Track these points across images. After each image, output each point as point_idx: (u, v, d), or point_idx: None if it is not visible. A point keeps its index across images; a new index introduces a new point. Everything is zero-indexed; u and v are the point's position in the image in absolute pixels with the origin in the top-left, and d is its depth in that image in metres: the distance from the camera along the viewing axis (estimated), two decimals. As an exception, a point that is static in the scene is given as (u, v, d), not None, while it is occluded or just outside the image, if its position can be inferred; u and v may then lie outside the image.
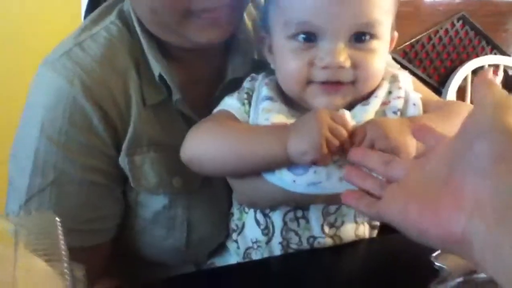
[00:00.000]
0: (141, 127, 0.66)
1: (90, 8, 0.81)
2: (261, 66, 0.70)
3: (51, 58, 0.67)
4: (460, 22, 1.97)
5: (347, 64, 0.57)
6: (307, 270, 0.61)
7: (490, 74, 0.43)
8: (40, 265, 0.36)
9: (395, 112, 0.60)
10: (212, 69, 0.74)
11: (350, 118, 0.55)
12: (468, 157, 0.37)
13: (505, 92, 0.39)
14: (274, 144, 0.55)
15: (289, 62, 0.59)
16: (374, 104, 0.60)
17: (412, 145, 0.54)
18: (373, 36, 0.58)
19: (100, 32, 0.68)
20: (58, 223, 0.42)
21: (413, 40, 1.88)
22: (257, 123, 0.61)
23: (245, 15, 0.75)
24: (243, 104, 0.64)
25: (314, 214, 0.64)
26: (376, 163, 0.48)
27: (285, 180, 0.58)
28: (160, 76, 0.67)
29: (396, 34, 0.64)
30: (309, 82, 0.59)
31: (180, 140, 0.66)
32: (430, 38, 1.92)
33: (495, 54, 2.11)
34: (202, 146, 0.62)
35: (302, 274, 0.60)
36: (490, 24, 2.06)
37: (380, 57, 0.60)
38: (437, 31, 1.93)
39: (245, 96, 0.64)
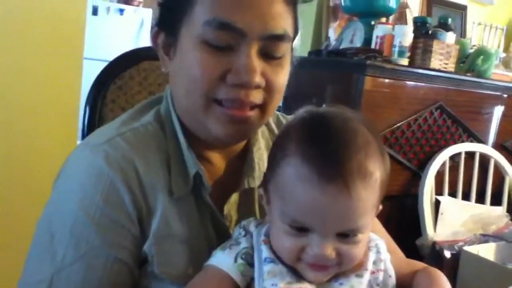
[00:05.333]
0: (168, 217, 0.73)
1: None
2: None
3: (94, 142, 0.75)
4: (438, 111, 2.08)
5: (333, 256, 0.64)
6: None
7: None
8: None
9: (378, 285, 0.68)
10: (231, 170, 0.83)
11: None
12: None
13: None
14: None
15: (284, 239, 0.65)
16: (366, 276, 0.67)
17: None
18: (357, 233, 0.65)
19: (139, 128, 0.77)
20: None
21: (394, 126, 1.96)
22: (264, 286, 0.65)
23: (259, 132, 0.86)
24: (236, 261, 0.68)
25: None
26: None
27: None
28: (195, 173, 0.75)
29: (381, 206, 0.70)
30: (299, 259, 0.65)
31: (196, 231, 0.75)
32: (409, 125, 2.01)
33: (471, 141, 2.21)
34: None
35: None
36: (467, 113, 2.17)
37: (363, 244, 0.67)
38: (416, 119, 2.02)
39: (243, 256, 0.69)
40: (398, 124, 1.97)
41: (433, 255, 1.84)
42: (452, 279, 1.79)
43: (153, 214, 0.72)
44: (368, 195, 0.63)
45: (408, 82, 1.98)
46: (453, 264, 1.78)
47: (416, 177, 2.07)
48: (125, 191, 0.70)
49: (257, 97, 0.72)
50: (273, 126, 0.91)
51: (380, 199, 0.67)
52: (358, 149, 0.62)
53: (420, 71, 2.00)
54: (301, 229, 0.64)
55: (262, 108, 0.74)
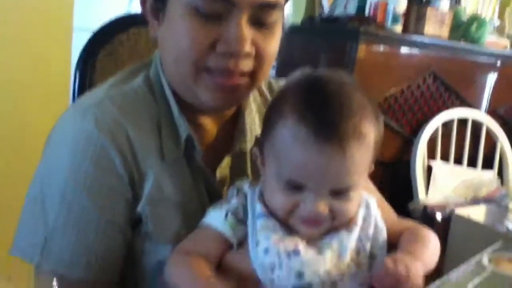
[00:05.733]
0: (160, 181, 0.74)
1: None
2: None
3: (82, 106, 0.75)
4: (431, 78, 2.09)
5: (326, 212, 0.66)
6: None
7: None
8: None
9: (368, 239, 0.70)
10: (223, 134, 0.84)
11: None
12: None
13: None
14: None
15: (277, 195, 0.68)
16: (356, 231, 0.69)
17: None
18: (350, 191, 0.67)
19: (128, 91, 0.77)
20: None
21: (387, 94, 1.98)
22: (258, 239, 0.68)
23: (251, 97, 0.86)
24: (226, 217, 0.70)
25: None
26: None
27: None
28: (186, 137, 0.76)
29: (372, 166, 0.72)
30: (292, 214, 0.67)
31: (189, 194, 0.76)
32: (403, 92, 2.02)
33: (464, 107, 2.23)
34: (173, 280, 0.69)
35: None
36: (460, 80, 2.18)
37: (356, 201, 0.70)
38: (409, 86, 2.03)
39: (234, 212, 0.71)
40: (391, 91, 1.98)
41: (424, 219, 1.87)
42: (443, 241, 1.83)
43: (144, 178, 0.73)
44: (362, 155, 0.65)
45: (401, 49, 1.98)
46: (444, 227, 1.82)
47: (409, 144, 2.09)
48: (116, 155, 0.71)
49: (246, 65, 0.72)
50: (266, 91, 0.92)
51: (373, 159, 0.69)
52: (353, 111, 0.65)
53: (414, 38, 2.00)
54: (295, 187, 0.66)
55: (252, 75, 0.74)
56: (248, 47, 0.70)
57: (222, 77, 0.71)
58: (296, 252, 0.66)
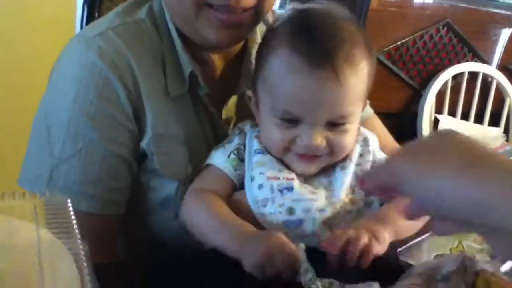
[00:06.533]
0: (164, 116, 0.73)
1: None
2: None
3: (85, 36, 0.73)
4: (445, 28, 2.04)
5: (323, 144, 0.66)
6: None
7: None
8: (57, 242, 0.40)
9: None
10: (230, 72, 0.82)
11: (303, 253, 0.58)
12: None
13: None
14: (235, 251, 0.61)
15: (273, 132, 0.67)
16: (350, 167, 0.69)
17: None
18: (346, 122, 0.66)
19: (132, 24, 0.75)
20: (69, 204, 0.46)
21: (399, 43, 1.93)
22: (253, 175, 0.68)
23: (257, 31, 0.83)
24: (229, 157, 0.71)
25: None
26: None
27: None
28: (190, 73, 0.74)
29: (367, 101, 0.72)
30: (288, 150, 0.67)
31: (194, 131, 0.75)
32: (415, 42, 1.98)
33: (476, 61, 2.18)
34: (189, 218, 0.70)
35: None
36: (473, 32, 2.13)
37: (353, 134, 0.69)
38: (422, 36, 1.99)
39: (235, 151, 0.71)
40: (403, 40, 1.94)
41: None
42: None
43: (148, 112, 0.72)
44: (356, 82, 0.65)
45: (416, -3, 1.93)
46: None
47: (417, 96, 2.07)
48: (120, 88, 0.70)
49: (248, 1, 0.69)
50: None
51: (367, 90, 0.69)
52: (344, 39, 0.65)
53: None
54: (291, 121, 0.65)
55: (256, 9, 0.72)
56: None
57: (225, 14, 0.69)
58: (289, 189, 0.66)
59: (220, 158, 0.71)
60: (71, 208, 0.46)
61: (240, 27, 0.72)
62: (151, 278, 0.58)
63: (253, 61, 0.81)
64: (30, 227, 0.39)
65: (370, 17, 1.80)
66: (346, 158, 0.70)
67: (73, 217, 0.45)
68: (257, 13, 0.72)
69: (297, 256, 0.57)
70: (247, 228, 0.64)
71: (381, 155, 0.73)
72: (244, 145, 0.72)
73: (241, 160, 0.71)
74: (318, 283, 0.55)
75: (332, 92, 0.64)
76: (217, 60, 0.81)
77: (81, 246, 0.41)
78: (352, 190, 0.69)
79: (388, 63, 1.93)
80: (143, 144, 0.73)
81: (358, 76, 0.65)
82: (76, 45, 0.73)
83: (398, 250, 0.65)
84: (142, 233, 0.79)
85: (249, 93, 0.74)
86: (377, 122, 0.90)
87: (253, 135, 0.72)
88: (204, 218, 0.67)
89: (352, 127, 0.69)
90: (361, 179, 0.55)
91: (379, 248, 0.61)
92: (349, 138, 0.69)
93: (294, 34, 0.65)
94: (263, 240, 0.60)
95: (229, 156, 0.71)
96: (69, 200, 0.47)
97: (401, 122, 2.07)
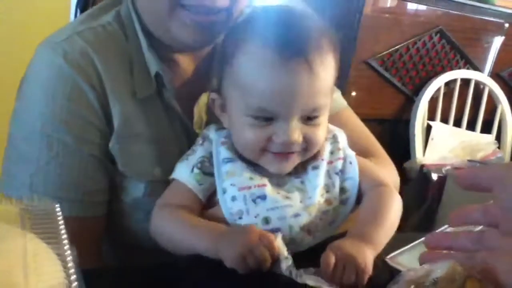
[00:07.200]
0: (130, 117, 0.73)
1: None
2: None
3: (52, 42, 0.73)
4: (438, 35, 2.05)
5: (300, 139, 0.65)
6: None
7: None
8: (45, 247, 0.40)
9: (337, 173, 0.69)
10: (199, 73, 0.82)
11: (281, 242, 0.59)
12: None
13: None
14: (213, 250, 0.61)
15: (247, 133, 0.66)
16: (323, 167, 0.69)
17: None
18: (319, 115, 0.67)
19: (98, 27, 0.75)
20: (57, 209, 0.46)
21: (392, 49, 1.94)
22: (224, 187, 0.67)
23: None
24: (192, 171, 0.69)
25: None
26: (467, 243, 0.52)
27: None
28: (156, 74, 0.74)
29: (340, 92, 0.74)
30: (263, 150, 0.66)
31: (164, 133, 0.75)
32: (408, 49, 1.99)
33: (468, 68, 2.20)
34: (160, 232, 0.69)
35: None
36: (466, 39, 2.14)
37: (324, 128, 0.70)
38: (415, 42, 1.99)
39: (199, 165, 0.69)
40: (396, 47, 1.94)
41: (420, 178, 1.89)
42: (437, 201, 1.85)
43: (115, 113, 0.73)
44: (326, 74, 0.65)
45: (409, 5, 1.93)
46: (439, 186, 1.83)
47: (410, 102, 2.07)
48: (88, 89, 0.71)
49: (222, 1, 0.70)
50: None
51: (333, 84, 0.69)
52: (314, 30, 0.66)
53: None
54: (265, 119, 0.65)
55: (229, 10, 0.72)
56: None
57: (199, 14, 0.70)
58: (262, 198, 0.65)
59: (183, 172, 0.70)
60: (59, 213, 0.46)
61: (214, 28, 0.72)
62: (137, 284, 0.58)
63: None
64: (17, 232, 0.39)
65: (364, 23, 1.81)
66: (317, 157, 0.69)
67: (61, 222, 0.44)
68: (230, 13, 0.73)
69: (276, 244, 0.57)
70: (220, 227, 0.64)
71: (350, 152, 0.73)
72: (209, 156, 0.70)
73: (205, 173, 0.69)
74: (301, 270, 0.55)
75: (306, 84, 0.63)
76: (187, 61, 0.81)
77: (68, 252, 0.40)
78: (327, 189, 0.68)
79: (381, 69, 1.94)
80: (110, 144, 0.73)
81: (328, 68, 0.66)
82: (42, 51, 0.74)
83: (389, 256, 0.65)
84: (121, 236, 0.80)
85: (213, 95, 0.72)
86: (351, 114, 0.90)
87: (219, 141, 0.70)
88: (174, 228, 0.66)
89: (324, 121, 0.69)
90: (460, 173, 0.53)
91: (367, 275, 0.58)
92: (322, 132, 0.69)
93: (263, 29, 0.66)
94: (240, 232, 0.60)
95: (192, 170, 0.69)
96: (57, 205, 0.47)
97: (394, 129, 2.08)
